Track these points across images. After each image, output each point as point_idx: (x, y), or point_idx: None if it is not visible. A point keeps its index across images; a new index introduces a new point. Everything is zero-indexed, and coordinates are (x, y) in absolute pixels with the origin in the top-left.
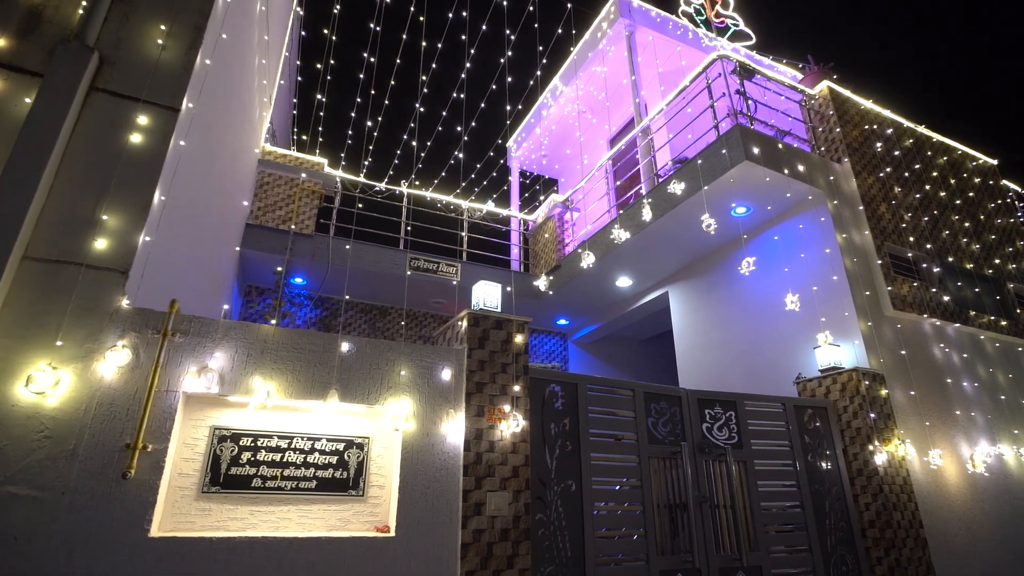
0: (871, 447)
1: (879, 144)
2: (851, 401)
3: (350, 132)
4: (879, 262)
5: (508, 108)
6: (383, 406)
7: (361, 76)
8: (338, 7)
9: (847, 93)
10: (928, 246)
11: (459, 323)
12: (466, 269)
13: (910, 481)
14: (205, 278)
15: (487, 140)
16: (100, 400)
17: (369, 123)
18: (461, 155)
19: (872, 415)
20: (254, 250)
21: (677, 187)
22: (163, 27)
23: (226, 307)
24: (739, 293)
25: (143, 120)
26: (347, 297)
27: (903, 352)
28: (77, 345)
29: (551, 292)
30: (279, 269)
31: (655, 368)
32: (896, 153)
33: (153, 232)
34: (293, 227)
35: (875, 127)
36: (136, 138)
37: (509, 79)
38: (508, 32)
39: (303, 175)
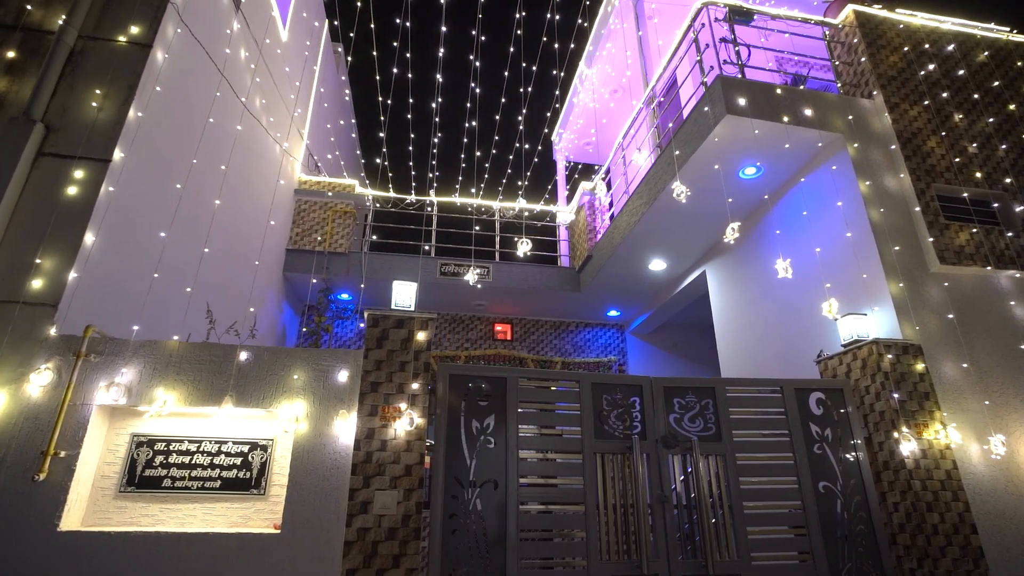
0: (896, 434)
1: (931, 66)
2: (872, 380)
3: (411, 150)
4: (917, 208)
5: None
6: (278, 409)
7: (388, 100)
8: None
9: (883, 13)
10: (1007, 180)
11: (360, 324)
12: (500, 269)
13: (957, 476)
14: (231, 301)
15: (529, 137)
16: (27, 415)
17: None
18: (510, 156)
19: (895, 395)
20: (297, 272)
21: (664, 159)
22: (98, 91)
23: (251, 326)
24: (769, 266)
25: (79, 174)
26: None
27: (951, 316)
28: (12, 369)
29: (587, 284)
30: (320, 291)
31: None
32: (960, 73)
33: (82, 269)
34: (320, 247)
35: (927, 46)
36: (72, 190)
37: (556, 71)
38: (550, 16)
39: (334, 197)
